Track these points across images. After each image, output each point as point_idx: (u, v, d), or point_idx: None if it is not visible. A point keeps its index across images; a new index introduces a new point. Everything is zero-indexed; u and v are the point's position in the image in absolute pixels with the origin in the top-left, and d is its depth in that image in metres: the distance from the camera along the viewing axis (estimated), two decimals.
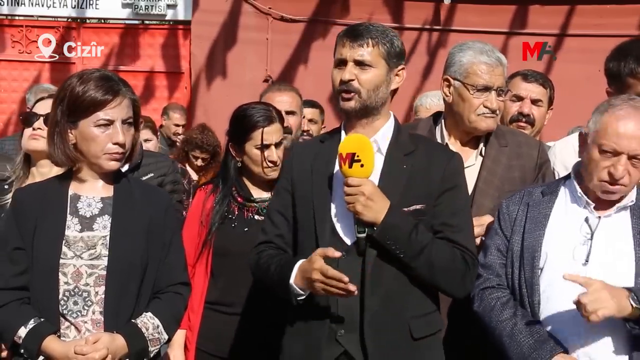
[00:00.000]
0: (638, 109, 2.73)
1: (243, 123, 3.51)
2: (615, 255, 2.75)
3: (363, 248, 2.69)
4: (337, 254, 2.59)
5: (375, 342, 2.68)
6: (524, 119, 4.03)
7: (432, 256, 2.70)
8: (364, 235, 2.67)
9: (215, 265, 3.49)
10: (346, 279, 2.56)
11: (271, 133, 3.46)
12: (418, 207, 2.73)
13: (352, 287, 2.57)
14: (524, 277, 2.83)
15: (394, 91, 2.83)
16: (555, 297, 2.75)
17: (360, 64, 2.74)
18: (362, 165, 2.62)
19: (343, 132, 2.85)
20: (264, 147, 3.45)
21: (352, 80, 2.73)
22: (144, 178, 4.53)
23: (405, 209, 2.71)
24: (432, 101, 4.91)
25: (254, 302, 3.37)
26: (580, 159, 2.92)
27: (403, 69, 2.83)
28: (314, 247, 2.70)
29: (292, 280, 2.69)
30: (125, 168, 4.51)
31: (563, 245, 2.80)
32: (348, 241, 2.74)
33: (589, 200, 2.82)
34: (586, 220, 2.81)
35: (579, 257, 2.76)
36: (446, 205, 2.77)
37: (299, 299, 2.71)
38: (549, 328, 2.76)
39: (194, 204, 3.63)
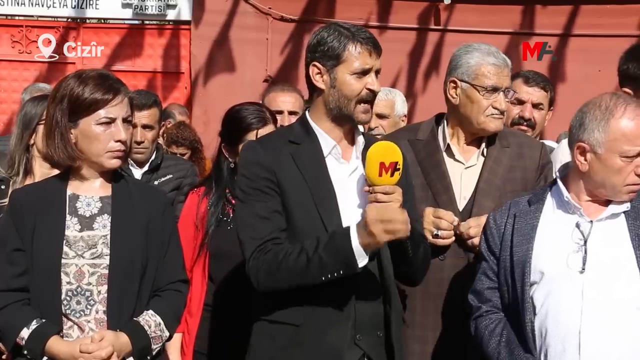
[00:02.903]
0: (638, 105, 2.70)
1: (236, 124, 3.48)
2: (613, 260, 2.64)
3: (377, 251, 2.67)
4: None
5: (397, 342, 2.73)
6: (525, 123, 4.04)
7: (424, 250, 2.81)
8: None
9: (213, 268, 3.46)
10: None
11: None
12: None
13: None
14: (517, 295, 2.74)
15: None
16: (553, 312, 2.65)
17: (377, 73, 2.74)
18: (400, 174, 2.63)
19: (325, 136, 2.75)
20: None
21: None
22: (162, 179, 4.58)
23: None
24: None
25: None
26: (564, 164, 2.89)
27: None
28: None
29: (356, 243, 2.52)
30: (145, 169, 4.58)
31: (555, 256, 2.69)
32: None
33: (577, 205, 2.72)
34: (577, 225, 2.71)
35: (574, 265, 2.65)
36: (411, 199, 2.85)
37: (361, 265, 2.55)
38: (547, 344, 2.65)
39: (187, 207, 3.55)
